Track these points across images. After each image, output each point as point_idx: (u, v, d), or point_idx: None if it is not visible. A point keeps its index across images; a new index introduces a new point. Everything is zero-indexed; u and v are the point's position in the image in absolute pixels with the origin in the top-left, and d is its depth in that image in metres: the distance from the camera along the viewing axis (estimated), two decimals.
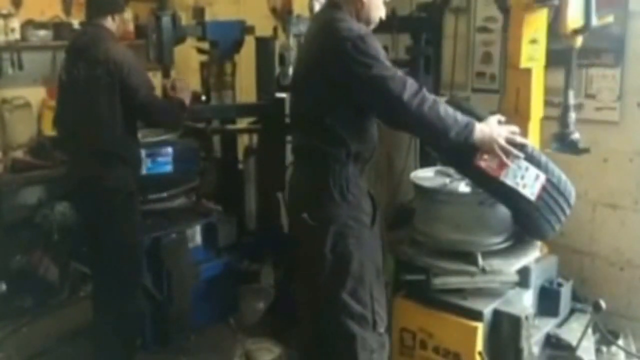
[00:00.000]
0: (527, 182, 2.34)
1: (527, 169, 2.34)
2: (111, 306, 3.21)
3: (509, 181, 2.34)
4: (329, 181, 2.28)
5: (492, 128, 2.30)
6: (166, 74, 3.70)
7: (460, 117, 2.23)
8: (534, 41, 2.72)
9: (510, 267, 2.63)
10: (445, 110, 2.20)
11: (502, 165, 2.32)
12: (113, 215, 3.12)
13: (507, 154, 2.30)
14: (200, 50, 4.02)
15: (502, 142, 2.29)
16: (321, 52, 2.26)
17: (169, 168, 3.51)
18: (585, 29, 2.56)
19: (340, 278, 2.30)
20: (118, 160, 3.08)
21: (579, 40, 2.61)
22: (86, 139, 3.12)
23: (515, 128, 2.37)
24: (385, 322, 2.42)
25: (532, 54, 2.73)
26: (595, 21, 2.55)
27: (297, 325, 2.61)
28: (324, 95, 2.26)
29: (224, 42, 3.82)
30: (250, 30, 3.93)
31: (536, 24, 2.73)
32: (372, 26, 2.38)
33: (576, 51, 2.65)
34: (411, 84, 2.17)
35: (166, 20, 3.42)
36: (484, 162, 2.33)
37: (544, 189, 2.36)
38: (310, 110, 2.34)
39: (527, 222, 2.49)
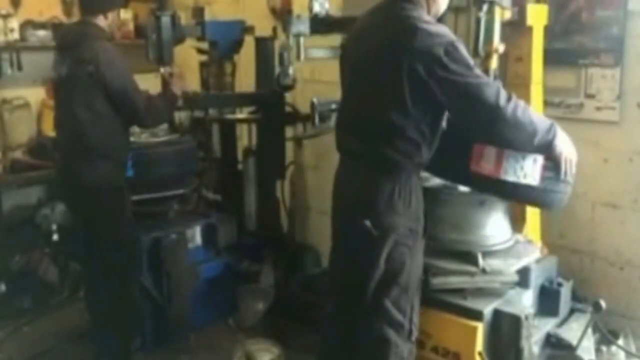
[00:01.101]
0: (527, 170, 2.30)
1: (523, 157, 2.29)
2: (107, 305, 3.21)
3: (509, 177, 2.31)
4: (394, 190, 2.24)
5: (566, 141, 2.28)
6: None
7: (544, 120, 2.23)
8: (519, 59, 2.79)
9: (510, 267, 2.62)
10: (533, 113, 2.21)
11: (499, 165, 2.31)
12: (101, 211, 3.12)
13: (565, 171, 2.28)
14: (200, 51, 4.02)
15: (570, 156, 2.28)
16: (400, 54, 2.13)
17: (129, 173, 3.38)
18: (487, 52, 2.63)
19: (387, 286, 2.29)
20: (100, 157, 3.06)
21: (493, 62, 2.65)
22: (69, 137, 3.13)
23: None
24: (417, 330, 2.43)
25: (517, 71, 2.78)
26: (494, 47, 2.63)
27: (320, 326, 2.61)
28: (401, 102, 2.16)
29: (223, 42, 3.82)
30: (250, 30, 3.93)
31: (521, 43, 2.81)
32: (436, 18, 2.34)
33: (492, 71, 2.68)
34: (502, 89, 2.14)
35: (166, 20, 3.41)
36: (480, 166, 2.33)
37: (544, 167, 2.30)
38: (381, 116, 2.22)
39: (538, 203, 2.49)
